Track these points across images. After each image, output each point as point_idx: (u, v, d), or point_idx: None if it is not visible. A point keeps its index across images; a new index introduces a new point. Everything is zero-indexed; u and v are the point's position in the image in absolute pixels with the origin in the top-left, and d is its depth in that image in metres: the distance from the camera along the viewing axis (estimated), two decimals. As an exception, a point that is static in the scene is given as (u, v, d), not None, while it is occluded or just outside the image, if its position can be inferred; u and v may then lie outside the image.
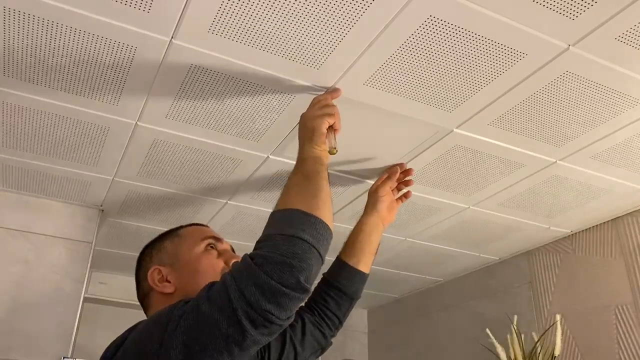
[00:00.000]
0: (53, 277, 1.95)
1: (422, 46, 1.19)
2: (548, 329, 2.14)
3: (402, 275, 2.80)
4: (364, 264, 1.42)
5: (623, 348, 1.94)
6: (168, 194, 1.95)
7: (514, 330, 2.06)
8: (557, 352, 1.96)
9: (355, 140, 1.58)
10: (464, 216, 2.06)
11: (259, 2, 1.08)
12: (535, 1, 1.06)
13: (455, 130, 1.52)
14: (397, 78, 1.30)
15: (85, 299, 2.14)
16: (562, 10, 1.08)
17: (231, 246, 1.17)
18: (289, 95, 1.37)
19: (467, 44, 1.18)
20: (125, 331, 0.93)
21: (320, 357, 1.33)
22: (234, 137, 1.57)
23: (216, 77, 1.31)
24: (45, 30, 1.16)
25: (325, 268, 1.43)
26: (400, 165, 1.67)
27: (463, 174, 1.76)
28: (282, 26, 1.14)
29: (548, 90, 1.34)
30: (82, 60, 1.26)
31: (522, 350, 2.02)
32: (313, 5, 1.08)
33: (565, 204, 1.95)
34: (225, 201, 2.00)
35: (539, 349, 2.00)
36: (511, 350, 2.03)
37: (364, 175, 1.78)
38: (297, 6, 1.09)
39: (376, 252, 1.49)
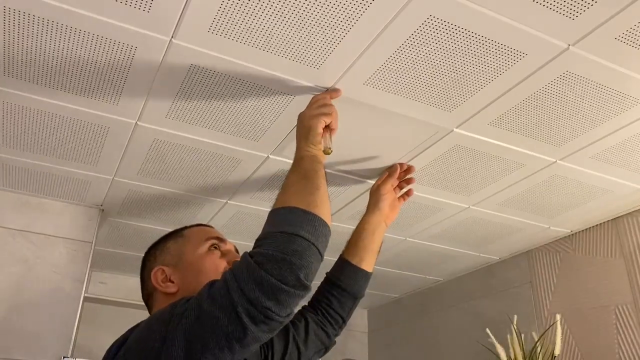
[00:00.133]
0: (53, 277, 1.95)
1: (422, 46, 1.19)
2: (548, 328, 2.14)
3: (402, 275, 2.80)
4: (367, 263, 1.42)
5: (623, 348, 1.94)
6: (168, 194, 1.95)
7: (514, 330, 2.06)
8: (557, 352, 1.96)
9: (355, 140, 1.58)
10: (464, 216, 2.06)
11: (258, 2, 1.08)
12: (535, 1, 1.06)
13: (455, 130, 1.52)
14: (397, 78, 1.30)
15: (86, 299, 2.14)
16: (562, 10, 1.08)
17: (235, 246, 1.18)
18: (289, 95, 1.37)
19: (467, 43, 1.18)
20: (128, 330, 0.94)
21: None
22: (234, 137, 1.57)
23: (216, 77, 1.31)
24: (45, 30, 1.16)
25: (328, 267, 1.44)
26: (401, 164, 1.67)
27: (463, 174, 1.76)
28: (282, 26, 1.14)
29: (548, 90, 1.34)
30: (82, 60, 1.26)
31: (522, 350, 2.02)
32: (313, 4, 1.08)
33: (566, 204, 1.95)
34: (225, 201, 2.00)
35: (539, 349, 2.00)
36: (511, 350, 2.04)
37: (364, 175, 1.78)
38: (297, 6, 1.09)
39: (379, 250, 1.50)
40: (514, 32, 1.14)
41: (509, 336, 2.06)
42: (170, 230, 1.23)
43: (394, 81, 1.31)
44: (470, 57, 1.23)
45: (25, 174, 1.84)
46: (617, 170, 1.71)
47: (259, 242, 0.91)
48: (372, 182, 1.77)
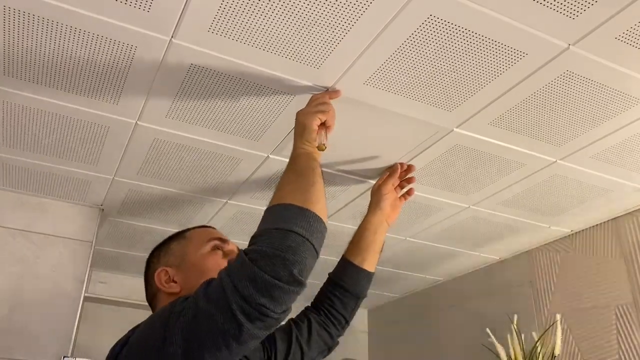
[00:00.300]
0: (53, 277, 1.95)
1: (423, 45, 1.19)
2: (548, 328, 2.14)
3: (402, 274, 2.80)
4: (369, 263, 1.43)
5: (623, 348, 1.94)
6: (168, 194, 1.95)
7: (514, 330, 2.06)
8: (557, 352, 1.96)
9: (356, 140, 1.58)
10: (464, 216, 2.06)
11: (258, 2, 1.08)
12: (536, 0, 1.06)
13: (455, 129, 1.52)
14: (398, 77, 1.30)
15: (86, 299, 2.14)
16: (562, 9, 1.08)
17: (237, 247, 1.18)
18: (289, 95, 1.37)
19: (467, 43, 1.18)
20: (130, 330, 0.95)
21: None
22: (234, 136, 1.57)
23: (216, 77, 1.31)
24: (45, 30, 1.16)
25: (330, 268, 1.44)
26: (401, 164, 1.68)
27: (463, 174, 1.76)
28: (282, 25, 1.14)
29: (548, 89, 1.34)
30: (82, 60, 1.26)
31: (522, 349, 2.02)
32: (313, 4, 1.08)
33: (566, 204, 1.95)
34: (225, 201, 2.00)
35: (539, 349, 2.00)
36: (511, 349, 2.03)
37: (364, 174, 1.78)
38: (297, 5, 1.09)
39: (381, 250, 1.50)
40: (514, 31, 1.14)
41: (509, 336, 2.06)
42: (170, 229, 1.24)
43: (394, 81, 1.31)
44: (470, 57, 1.22)
45: (25, 173, 1.84)
46: (617, 170, 1.71)
47: (253, 239, 0.91)
48: (373, 182, 1.77)
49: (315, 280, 1.49)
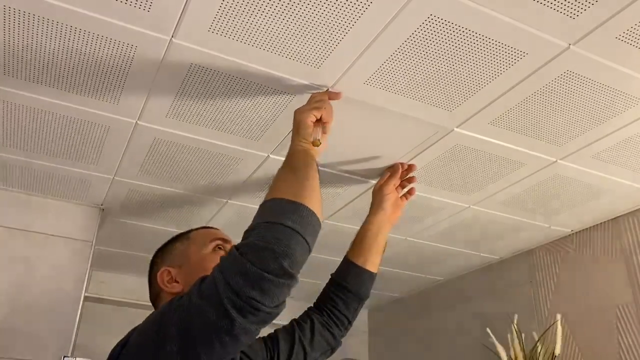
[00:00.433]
0: (53, 276, 1.95)
1: (423, 45, 1.19)
2: (548, 328, 2.14)
3: (403, 274, 2.80)
4: (372, 263, 1.43)
5: (623, 348, 1.94)
6: (168, 193, 1.95)
7: (514, 330, 2.06)
8: (557, 352, 1.96)
9: (356, 140, 1.58)
10: (465, 215, 2.06)
11: (259, 1, 1.08)
12: (536, 0, 1.06)
13: (455, 129, 1.52)
14: (398, 77, 1.29)
15: (86, 298, 2.14)
16: (562, 9, 1.08)
17: None
18: (289, 95, 1.37)
19: (467, 43, 1.18)
20: (131, 330, 0.96)
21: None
22: (234, 136, 1.57)
23: (216, 76, 1.31)
24: (45, 29, 1.16)
25: (332, 268, 1.45)
26: (402, 163, 1.68)
27: (463, 173, 1.76)
28: (282, 25, 1.14)
29: (548, 89, 1.34)
30: (83, 59, 1.26)
31: (523, 349, 2.02)
32: (313, 4, 1.08)
33: (566, 203, 1.95)
34: (225, 200, 2.00)
35: (539, 349, 2.00)
36: (511, 349, 2.03)
37: (364, 174, 1.77)
38: (297, 5, 1.09)
39: (383, 251, 1.50)
40: (515, 31, 1.14)
41: (509, 336, 2.06)
42: (170, 229, 1.24)
43: (395, 80, 1.31)
44: (470, 57, 1.22)
45: (25, 173, 1.84)
46: (618, 170, 1.70)
47: (245, 234, 0.92)
48: (373, 182, 1.77)
49: (318, 281, 1.50)
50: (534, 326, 2.27)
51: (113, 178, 1.85)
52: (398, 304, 3.26)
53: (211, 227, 1.23)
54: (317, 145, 1.20)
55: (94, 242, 2.08)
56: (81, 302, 1.97)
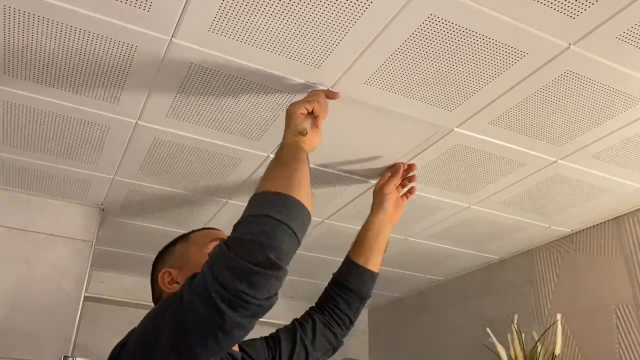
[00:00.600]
0: (53, 276, 1.95)
1: (423, 45, 1.19)
2: (548, 328, 2.14)
3: (403, 274, 2.80)
4: (373, 263, 1.43)
5: (623, 347, 1.94)
6: (168, 193, 1.95)
7: (514, 330, 2.06)
8: (557, 352, 1.96)
9: (356, 140, 1.58)
10: (465, 215, 2.06)
11: (259, 1, 1.08)
12: (536, 0, 1.06)
13: (455, 129, 1.52)
14: (398, 77, 1.29)
15: (86, 298, 2.14)
16: (562, 9, 1.08)
17: None
18: (289, 95, 1.37)
19: (467, 42, 1.18)
20: (130, 330, 0.97)
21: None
22: (234, 136, 1.57)
23: (216, 76, 1.31)
24: (45, 29, 1.16)
25: (334, 268, 1.45)
26: (403, 163, 1.68)
27: (464, 173, 1.76)
28: (282, 25, 1.14)
29: (549, 89, 1.34)
30: (83, 59, 1.26)
31: (523, 349, 2.02)
32: (313, 4, 1.08)
33: (566, 203, 1.95)
34: (225, 200, 2.00)
35: (539, 348, 2.00)
36: (512, 349, 2.03)
37: (364, 174, 1.77)
38: (297, 5, 1.09)
39: (385, 250, 1.50)
40: (515, 31, 1.14)
41: (509, 336, 2.06)
42: (170, 229, 1.25)
43: (395, 80, 1.31)
44: (470, 56, 1.22)
45: (25, 173, 1.84)
46: (618, 170, 1.70)
47: (234, 227, 0.92)
48: (373, 181, 1.77)
49: (318, 281, 1.50)
50: (534, 326, 2.27)
51: (113, 178, 1.85)
52: (398, 304, 3.26)
53: (212, 228, 1.24)
54: (304, 135, 1.20)
55: (94, 242, 2.07)
56: (81, 302, 1.97)
